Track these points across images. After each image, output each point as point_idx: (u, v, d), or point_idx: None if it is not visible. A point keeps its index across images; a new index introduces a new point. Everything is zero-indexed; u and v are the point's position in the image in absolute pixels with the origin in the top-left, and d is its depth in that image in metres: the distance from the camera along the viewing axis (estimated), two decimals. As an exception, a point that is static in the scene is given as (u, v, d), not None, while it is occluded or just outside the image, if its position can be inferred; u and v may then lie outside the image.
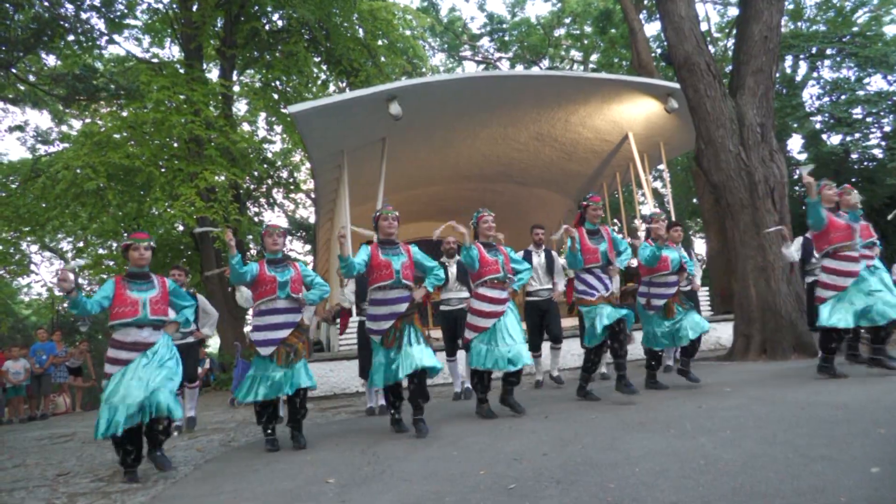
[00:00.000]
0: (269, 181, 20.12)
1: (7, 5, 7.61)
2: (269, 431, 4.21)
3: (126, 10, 14.22)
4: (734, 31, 16.29)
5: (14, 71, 8.42)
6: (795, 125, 15.86)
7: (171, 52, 16.57)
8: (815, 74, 17.09)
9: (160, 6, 14.54)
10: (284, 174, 20.93)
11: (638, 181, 11.87)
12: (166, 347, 3.67)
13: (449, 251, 6.15)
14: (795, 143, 20.68)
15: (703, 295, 9.87)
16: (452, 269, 6.02)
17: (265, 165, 18.74)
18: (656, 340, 5.13)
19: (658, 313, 5.08)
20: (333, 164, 9.98)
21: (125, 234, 13.22)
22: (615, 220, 19.93)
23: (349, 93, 9.37)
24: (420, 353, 4.07)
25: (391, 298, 4.20)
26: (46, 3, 8.19)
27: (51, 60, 14.76)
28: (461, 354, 5.62)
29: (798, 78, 17.75)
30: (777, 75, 7.65)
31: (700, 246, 24.91)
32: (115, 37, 14.25)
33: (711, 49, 16.50)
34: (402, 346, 4.12)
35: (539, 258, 6.30)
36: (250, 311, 6.09)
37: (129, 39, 15.54)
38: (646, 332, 5.22)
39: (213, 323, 6.39)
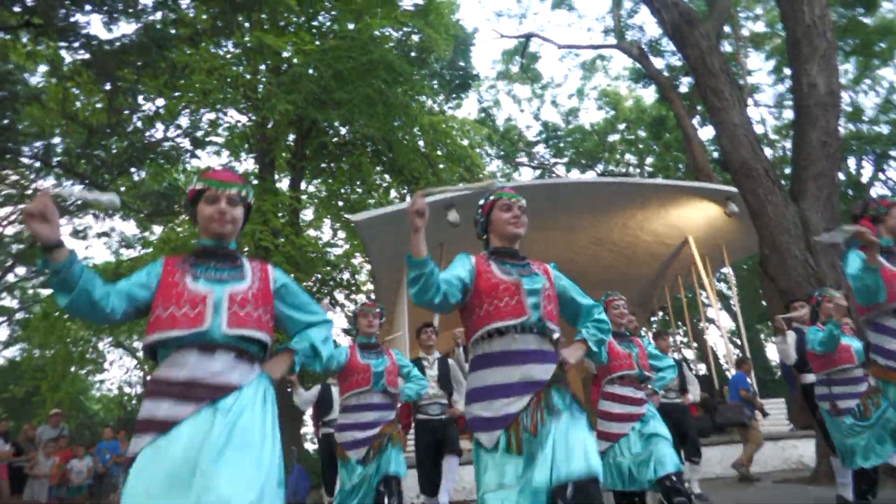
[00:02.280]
0: (332, 283, 20.71)
1: (107, 131, 8.51)
2: None
3: (209, 129, 15.60)
4: (791, 134, 16.24)
5: (106, 189, 9.33)
6: (866, 226, 15.29)
7: (247, 164, 17.87)
8: (881, 175, 16.68)
9: (239, 125, 15.88)
10: (346, 276, 21.54)
11: (701, 284, 11.58)
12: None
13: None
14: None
15: (779, 406, 9.23)
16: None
17: (328, 267, 19.38)
18: (861, 454, 3.75)
19: (847, 418, 3.84)
20: (393, 268, 10.24)
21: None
22: (679, 324, 19.28)
23: (409, 201, 9.75)
24: (391, 460, 3.42)
25: (373, 404, 3.49)
26: (140, 128, 9.16)
27: (138, 175, 16.19)
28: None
29: (864, 179, 17.35)
30: (841, 178, 7.51)
31: (773, 352, 23.62)
32: (199, 152, 15.57)
33: (769, 152, 16.46)
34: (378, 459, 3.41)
35: None
36: (336, 409, 5.60)
37: (210, 154, 16.92)
38: (840, 447, 3.98)
39: None
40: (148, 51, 6.95)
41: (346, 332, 22.61)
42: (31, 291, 24.77)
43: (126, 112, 8.31)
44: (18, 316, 24.52)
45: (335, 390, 5.92)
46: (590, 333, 2.30)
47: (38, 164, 12.71)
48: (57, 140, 11.65)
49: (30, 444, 9.29)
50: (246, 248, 12.30)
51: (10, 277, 23.57)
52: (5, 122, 6.40)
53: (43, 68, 12.72)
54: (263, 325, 1.88)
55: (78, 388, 21.85)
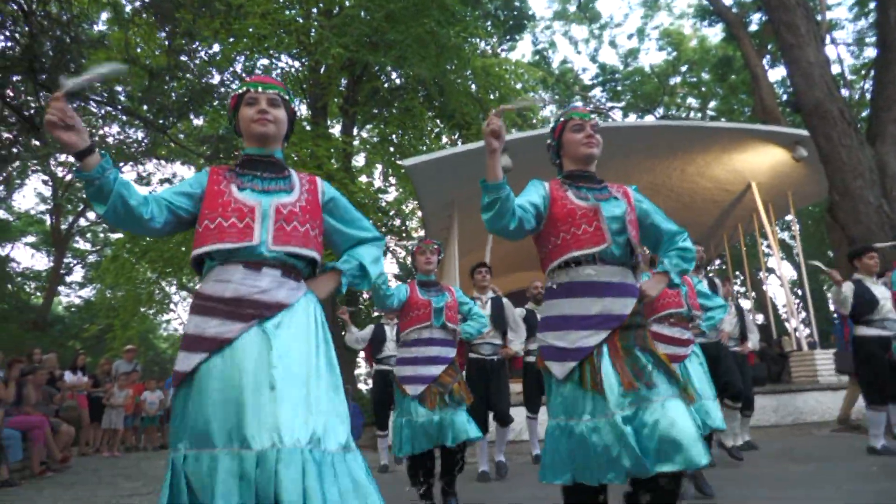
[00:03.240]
0: (384, 229, 20.96)
1: (166, 76, 8.68)
2: (423, 493, 3.54)
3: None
4: (871, 74, 15.16)
5: (168, 133, 9.57)
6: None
7: (300, 110, 18.01)
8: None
9: (293, 70, 15.93)
10: (397, 222, 21.74)
11: (763, 232, 11.16)
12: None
13: (536, 297, 5.64)
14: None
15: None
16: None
17: (380, 213, 19.59)
18: None
19: None
20: (444, 214, 10.25)
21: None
22: (737, 273, 18.73)
23: (460, 146, 9.66)
24: (464, 423, 3.38)
25: (434, 339, 3.45)
26: (197, 72, 9.31)
27: (197, 121, 16.55)
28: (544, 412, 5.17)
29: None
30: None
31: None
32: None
33: (845, 93, 15.44)
34: (443, 408, 3.36)
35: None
36: (390, 347, 5.79)
37: (264, 101, 17.09)
38: None
39: None
40: None
41: (397, 277, 23.02)
42: (102, 235, 26.09)
43: (183, 57, 8.43)
44: (91, 259, 25.95)
45: (388, 329, 6.06)
46: (672, 263, 2.12)
47: (103, 111, 13.20)
48: (119, 88, 12.05)
49: (106, 377, 9.97)
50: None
51: (82, 221, 24.89)
52: (72, 66, 6.60)
53: (105, 15, 13.03)
54: (311, 241, 1.80)
55: (147, 326, 23.14)
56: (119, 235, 16.35)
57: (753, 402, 5.54)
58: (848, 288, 4.80)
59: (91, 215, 25.23)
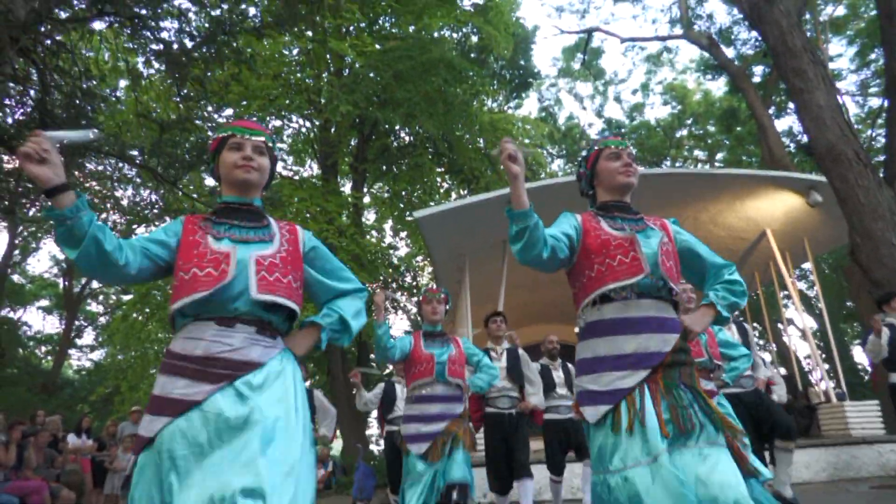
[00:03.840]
0: (395, 284, 20.88)
1: (177, 129, 8.84)
2: None
3: (275, 136, 16.05)
4: (879, 121, 15.19)
5: (178, 187, 9.71)
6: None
7: (312, 168, 18.28)
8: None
9: (303, 130, 16.25)
10: (408, 278, 21.68)
11: (780, 281, 10.93)
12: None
13: (551, 352, 5.41)
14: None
15: (872, 409, 8.54)
16: (558, 374, 5.21)
17: (390, 269, 19.56)
18: None
19: None
20: (455, 266, 10.14)
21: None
22: (755, 324, 18.36)
23: (470, 197, 9.64)
24: (459, 465, 3.24)
25: (437, 395, 3.33)
26: (209, 127, 9.50)
27: (209, 181, 16.82)
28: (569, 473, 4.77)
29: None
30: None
31: (860, 355, 22.16)
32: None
33: (854, 140, 15.42)
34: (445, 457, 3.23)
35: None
36: (400, 406, 5.54)
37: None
38: None
39: (331, 423, 6.00)
40: (214, 39, 7.17)
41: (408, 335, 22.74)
42: (114, 297, 26.16)
43: (194, 99, 8.57)
44: (102, 320, 25.93)
45: (399, 388, 5.85)
46: (719, 296, 1.92)
47: (117, 174, 13.42)
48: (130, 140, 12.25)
49: (112, 440, 9.70)
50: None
51: (95, 284, 25.02)
52: (83, 122, 6.73)
53: (123, 83, 13.45)
54: (293, 293, 1.70)
55: (156, 387, 22.80)
56: (130, 296, 16.35)
57: (793, 430, 5.02)
58: (885, 334, 4.58)
59: (104, 277, 25.38)
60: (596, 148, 2.10)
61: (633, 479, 1.62)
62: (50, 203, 1.44)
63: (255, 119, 12.17)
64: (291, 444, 1.52)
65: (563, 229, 1.95)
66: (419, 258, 20.52)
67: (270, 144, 1.82)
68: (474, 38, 16.94)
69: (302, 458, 1.53)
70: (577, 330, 1.99)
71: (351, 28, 13.44)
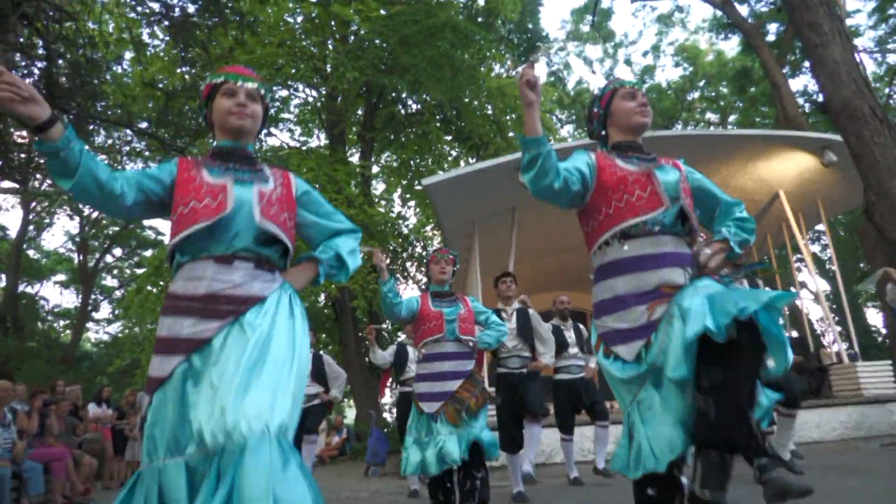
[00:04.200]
0: (404, 255, 20.90)
1: (183, 98, 8.79)
2: None
3: (281, 106, 15.92)
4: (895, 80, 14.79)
5: (185, 154, 9.74)
6: None
7: (319, 138, 18.18)
8: None
9: (310, 100, 16.12)
10: (418, 248, 21.69)
11: (794, 243, 10.82)
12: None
13: (562, 312, 5.42)
14: None
15: (884, 369, 8.52)
16: (570, 334, 5.27)
17: (400, 240, 19.56)
18: None
19: None
20: (464, 234, 10.12)
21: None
22: (769, 287, 18.25)
23: (479, 163, 9.56)
24: (478, 436, 3.22)
25: (448, 353, 3.33)
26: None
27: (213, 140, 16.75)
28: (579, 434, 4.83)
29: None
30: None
31: (874, 316, 22.04)
32: (272, 129, 15.92)
33: (871, 98, 15.06)
34: (460, 425, 3.19)
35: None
36: (413, 368, 5.60)
37: (283, 130, 17.30)
38: None
39: (341, 385, 6.18)
40: (216, 2, 7.08)
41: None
42: (128, 271, 26.44)
43: (198, 67, 8.47)
44: (118, 294, 26.26)
45: (411, 350, 5.90)
46: (731, 232, 1.92)
47: (126, 148, 13.42)
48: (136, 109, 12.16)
49: (132, 409, 9.91)
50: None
51: (109, 258, 25.28)
52: (88, 89, 6.72)
53: (129, 55, 13.36)
54: (287, 230, 1.74)
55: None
56: (144, 269, 16.48)
57: (798, 398, 5.04)
58: None
59: (118, 251, 25.62)
60: (611, 87, 2.08)
61: (668, 394, 1.65)
62: (39, 138, 1.43)
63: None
64: (281, 372, 1.50)
65: (576, 164, 1.93)
66: (428, 228, 20.50)
67: (263, 91, 1.82)
68: (481, 2, 16.60)
69: (291, 392, 1.51)
70: (592, 274, 1.98)
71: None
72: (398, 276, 21.70)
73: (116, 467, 9.28)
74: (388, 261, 4.66)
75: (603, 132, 2.12)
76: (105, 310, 26.45)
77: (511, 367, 4.59)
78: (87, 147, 1.53)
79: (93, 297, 24.70)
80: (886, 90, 18.07)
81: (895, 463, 4.89)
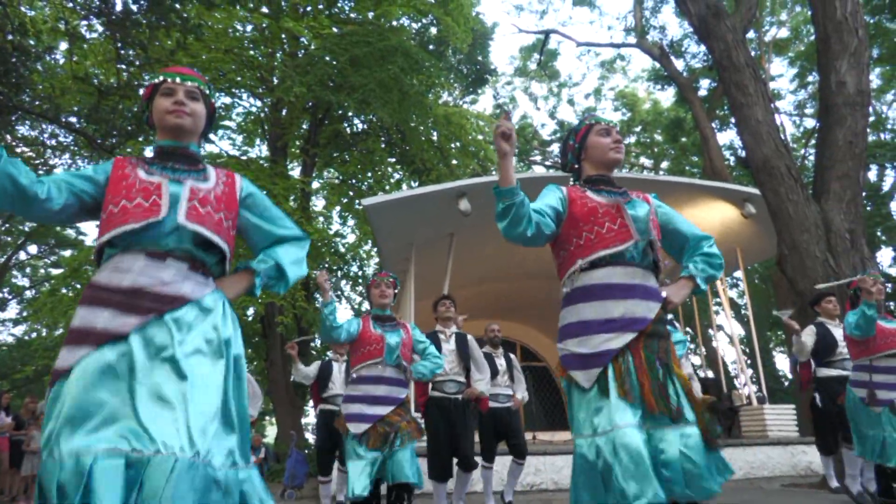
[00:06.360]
0: (339, 273, 20.62)
1: (117, 96, 8.42)
2: None
3: (223, 113, 15.54)
4: (812, 142, 15.96)
5: (114, 155, 9.32)
6: (885, 237, 15.05)
7: (261, 150, 17.83)
8: (903, 186, 16.40)
9: (254, 109, 15.83)
10: (354, 267, 21.45)
11: (713, 288, 11.38)
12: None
13: (493, 340, 5.43)
14: (886, 256, 19.53)
15: (788, 413, 9.04)
16: (501, 361, 5.30)
17: (336, 257, 19.30)
18: (891, 449, 3.63)
19: (883, 409, 3.71)
20: (402, 256, 10.11)
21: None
22: (688, 329, 19.06)
23: (421, 188, 9.63)
24: (406, 462, 3.20)
25: (385, 377, 3.30)
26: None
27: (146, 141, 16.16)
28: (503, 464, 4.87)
29: (885, 188, 17.06)
30: (863, 182, 7.31)
31: (782, 362, 23.32)
32: (212, 136, 15.50)
33: (789, 157, 16.21)
34: (385, 447, 3.18)
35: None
36: (336, 385, 5.57)
37: (224, 138, 16.87)
38: (869, 438, 3.81)
39: (258, 404, 5.99)
40: (160, 3, 6.86)
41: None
42: (42, 270, 24.89)
43: (136, 66, 8.15)
44: (29, 294, 24.62)
45: (336, 366, 5.79)
46: (698, 268, 1.97)
47: (54, 140, 12.73)
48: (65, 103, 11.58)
49: (31, 419, 9.24)
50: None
51: (22, 255, 23.71)
52: (14, 78, 6.34)
53: (63, 46, 12.77)
54: (224, 232, 1.65)
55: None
56: (60, 270, 15.56)
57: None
58: (808, 333, 4.90)
59: (32, 249, 24.09)
60: (587, 123, 2.15)
61: (626, 438, 1.66)
62: None
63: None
64: (209, 392, 1.45)
65: (548, 202, 1.98)
66: (366, 247, 20.35)
67: (206, 91, 1.78)
68: (433, 30, 16.86)
69: (221, 407, 1.49)
70: (563, 292, 2.02)
71: (308, 8, 13.17)
72: (333, 294, 21.36)
73: (9, 482, 8.61)
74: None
75: (576, 165, 2.20)
76: (13, 309, 24.74)
77: (447, 391, 4.47)
78: (8, 138, 1.44)
79: (0, 294, 23.07)
80: (802, 151, 19.46)
81: (795, 502, 5.16)
